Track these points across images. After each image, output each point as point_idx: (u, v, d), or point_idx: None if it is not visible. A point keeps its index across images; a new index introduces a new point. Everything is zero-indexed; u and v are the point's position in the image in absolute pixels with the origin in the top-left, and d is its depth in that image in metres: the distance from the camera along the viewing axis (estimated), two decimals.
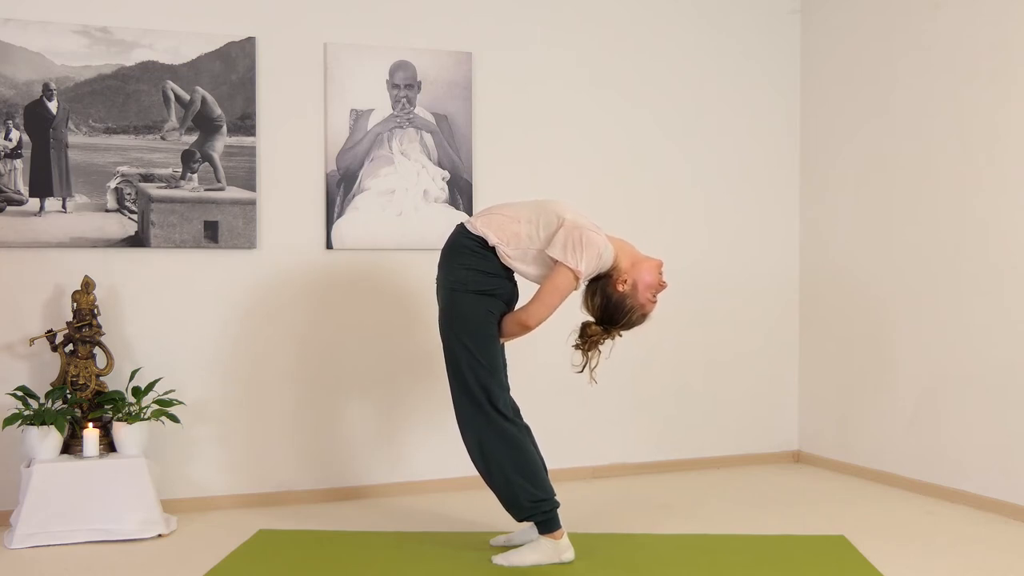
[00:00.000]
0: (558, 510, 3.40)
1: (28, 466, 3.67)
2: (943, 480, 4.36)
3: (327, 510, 4.18)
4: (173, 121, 4.13)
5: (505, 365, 3.44)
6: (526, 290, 3.46)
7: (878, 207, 4.73)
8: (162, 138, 4.12)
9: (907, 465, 4.55)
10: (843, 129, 4.95)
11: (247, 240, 4.22)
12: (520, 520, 3.41)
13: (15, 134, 3.95)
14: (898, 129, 4.61)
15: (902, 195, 4.60)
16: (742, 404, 5.13)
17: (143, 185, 4.09)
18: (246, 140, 4.22)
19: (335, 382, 4.40)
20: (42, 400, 3.79)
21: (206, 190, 4.16)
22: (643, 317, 3.40)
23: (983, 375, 4.19)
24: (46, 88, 3.97)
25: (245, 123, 4.22)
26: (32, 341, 3.88)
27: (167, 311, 4.15)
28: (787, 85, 5.19)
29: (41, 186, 3.98)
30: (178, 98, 4.14)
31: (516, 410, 3.49)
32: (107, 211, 4.04)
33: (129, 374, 3.97)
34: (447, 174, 4.52)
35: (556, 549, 3.37)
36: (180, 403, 3.96)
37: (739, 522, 3.96)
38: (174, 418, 3.87)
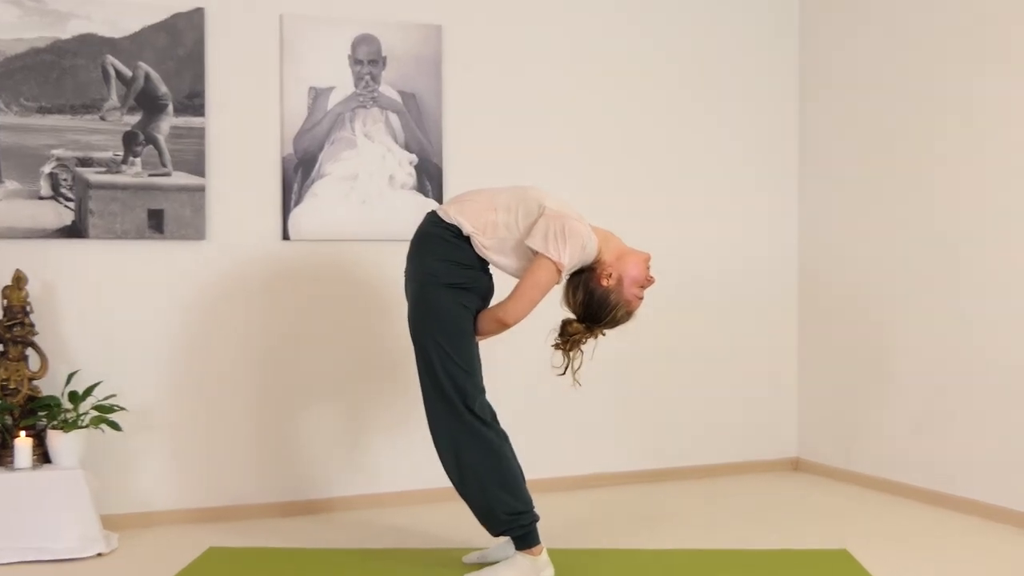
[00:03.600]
0: (537, 524, 3.40)
1: None
2: (952, 489, 4.40)
3: (285, 525, 4.17)
4: (114, 100, 4.10)
5: (480, 366, 3.44)
6: (504, 284, 3.46)
7: (880, 200, 4.77)
8: (102, 118, 4.09)
9: (913, 473, 4.59)
10: (843, 116, 4.98)
11: (195, 230, 4.20)
12: (496, 534, 3.42)
13: None
14: (902, 116, 4.65)
15: (906, 186, 4.64)
16: (737, 408, 5.16)
17: (81, 170, 4.06)
18: (194, 121, 4.20)
19: (293, 385, 4.38)
20: None
21: (150, 175, 4.14)
22: (628, 315, 3.41)
23: (993, 377, 4.24)
24: None
25: (193, 102, 4.20)
26: None
27: (107, 308, 4.12)
28: (785, 68, 5.23)
29: None
30: (119, 74, 4.11)
31: (493, 414, 3.49)
32: (41, 198, 4.01)
33: (65, 378, 3.94)
34: (415, 158, 4.51)
35: (534, 566, 3.37)
36: (122, 409, 3.93)
37: (733, 535, 3.98)
38: (115, 426, 3.85)
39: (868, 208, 4.84)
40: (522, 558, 3.38)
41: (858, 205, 4.90)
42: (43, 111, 4.02)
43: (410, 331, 3.36)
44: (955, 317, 4.40)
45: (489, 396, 3.49)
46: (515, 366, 4.56)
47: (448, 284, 3.29)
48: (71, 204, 4.05)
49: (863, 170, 4.87)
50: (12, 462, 3.73)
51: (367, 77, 4.45)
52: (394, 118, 4.49)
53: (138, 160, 4.13)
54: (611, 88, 4.91)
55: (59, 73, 4.04)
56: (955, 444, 4.40)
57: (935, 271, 4.49)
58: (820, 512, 4.38)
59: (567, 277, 3.40)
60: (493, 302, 3.43)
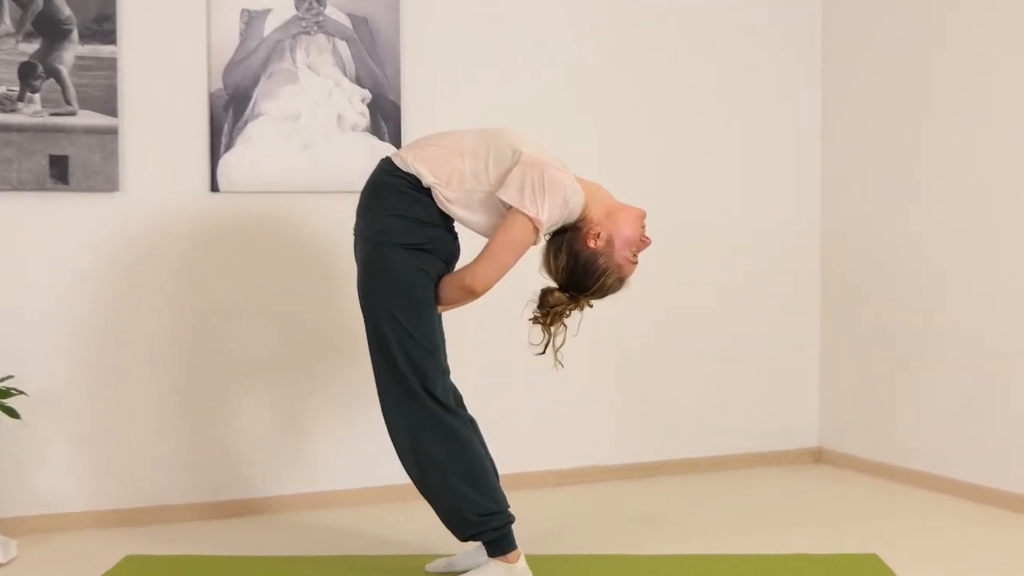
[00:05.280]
0: (512, 526, 3.42)
1: None
2: (999, 483, 4.44)
3: (214, 529, 4.18)
4: (7, 25, 4.06)
5: (443, 342, 3.45)
6: (472, 244, 3.46)
7: (917, 155, 4.77)
8: None
9: (954, 465, 4.63)
10: (873, 57, 4.98)
11: (107, 180, 4.17)
12: (464, 539, 3.44)
13: None
14: (942, 57, 4.65)
15: (947, 139, 4.64)
16: (749, 391, 5.19)
17: None
18: (104, 50, 4.16)
19: (224, 366, 4.38)
20: None
21: (52, 115, 4.11)
22: (620, 282, 3.41)
23: None
24: None
25: (103, 27, 4.16)
26: None
27: (2, 274, 4.10)
28: (806, 4, 5.26)
29: None
30: None
31: (459, 399, 3.50)
32: None
33: None
34: (368, 94, 4.49)
35: (510, 575, 3.40)
36: (20, 393, 3.92)
37: (745, 538, 4.01)
38: (13, 412, 3.83)
39: (902, 165, 4.85)
40: (496, 566, 3.40)
41: (890, 161, 4.91)
42: None
43: (360, 300, 3.36)
44: (1002, 287, 4.43)
45: (454, 377, 3.50)
46: (485, 342, 4.57)
47: (405, 244, 3.27)
48: None
49: (897, 120, 4.88)
50: None
51: None
52: (343, 47, 4.46)
53: (37, 96, 4.09)
54: (609, 14, 4.88)
55: None
56: (1003, 431, 4.44)
57: (979, 236, 4.51)
58: (845, 510, 4.42)
59: (547, 237, 3.40)
60: (458, 266, 3.43)
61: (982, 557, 3.81)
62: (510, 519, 3.41)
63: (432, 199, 3.30)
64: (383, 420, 3.41)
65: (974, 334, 4.55)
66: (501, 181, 3.27)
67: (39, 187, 4.10)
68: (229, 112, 4.34)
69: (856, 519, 4.28)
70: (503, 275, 3.32)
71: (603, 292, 3.41)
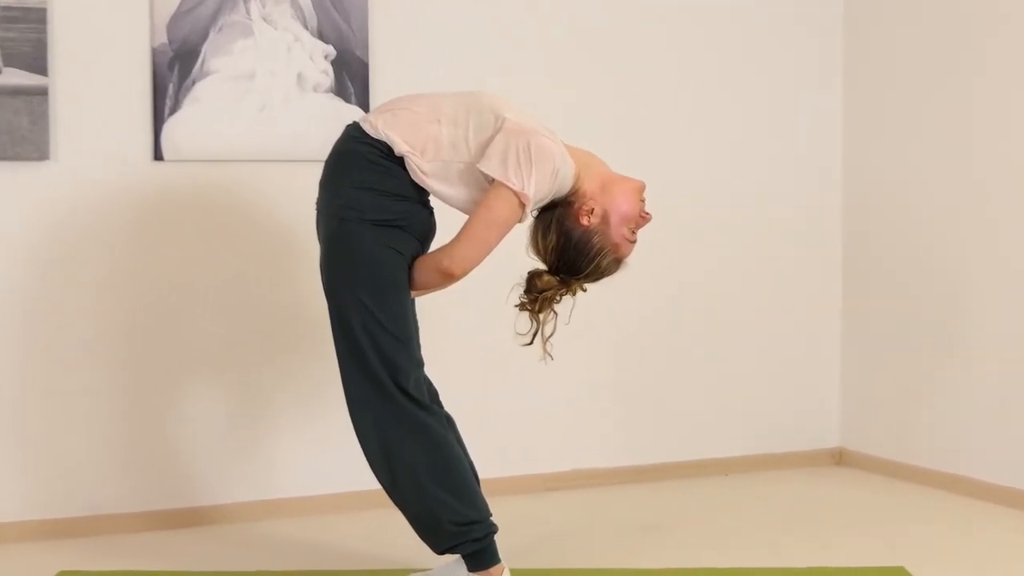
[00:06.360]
0: (495, 536, 3.42)
1: None
2: None
3: (160, 541, 4.18)
4: None
5: (417, 330, 3.45)
6: (450, 220, 3.45)
7: (951, 124, 4.78)
8: None
9: (987, 467, 4.65)
10: (902, 9, 4.99)
11: (36, 148, 4.16)
12: (441, 551, 3.44)
13: None
14: (980, 7, 4.66)
15: (986, 104, 4.64)
16: (764, 385, 5.21)
17: None
18: None
19: (172, 357, 4.38)
20: None
21: None
22: (616, 263, 3.42)
23: None
24: None
25: None
26: None
27: None
28: None
29: None
30: None
31: (434, 394, 3.50)
32: None
33: None
34: (331, 50, 4.48)
35: None
36: None
37: (758, 549, 4.03)
38: None
39: (927, 145, 4.86)
40: None
41: (915, 142, 4.92)
42: None
43: (323, 283, 3.35)
44: None
45: (430, 370, 3.50)
46: (465, 331, 4.59)
47: (374, 220, 3.27)
48: None
49: (928, 83, 4.88)
50: None
51: None
52: None
53: None
54: None
55: None
56: None
57: (1013, 221, 4.52)
58: (869, 517, 4.44)
59: (534, 213, 3.39)
60: (435, 245, 3.42)
61: (1015, 564, 3.83)
62: (492, 529, 3.41)
63: (405, 170, 3.30)
64: (349, 419, 3.41)
65: (1008, 326, 4.57)
66: (482, 151, 3.27)
67: None
68: (174, 70, 4.32)
69: (881, 527, 4.30)
70: (485, 256, 3.31)
71: (598, 274, 3.41)
